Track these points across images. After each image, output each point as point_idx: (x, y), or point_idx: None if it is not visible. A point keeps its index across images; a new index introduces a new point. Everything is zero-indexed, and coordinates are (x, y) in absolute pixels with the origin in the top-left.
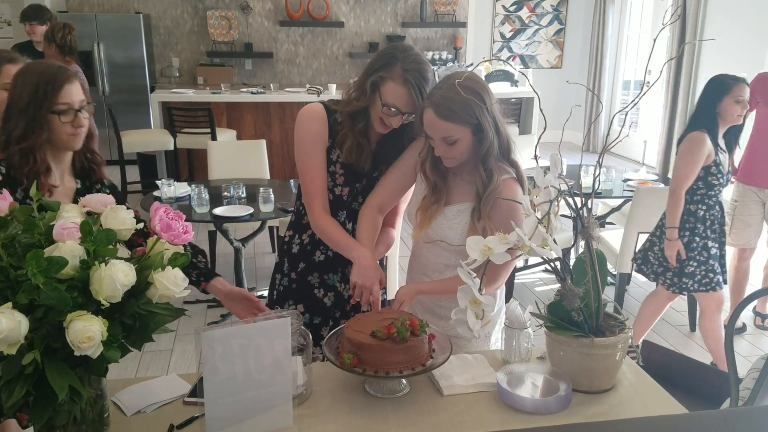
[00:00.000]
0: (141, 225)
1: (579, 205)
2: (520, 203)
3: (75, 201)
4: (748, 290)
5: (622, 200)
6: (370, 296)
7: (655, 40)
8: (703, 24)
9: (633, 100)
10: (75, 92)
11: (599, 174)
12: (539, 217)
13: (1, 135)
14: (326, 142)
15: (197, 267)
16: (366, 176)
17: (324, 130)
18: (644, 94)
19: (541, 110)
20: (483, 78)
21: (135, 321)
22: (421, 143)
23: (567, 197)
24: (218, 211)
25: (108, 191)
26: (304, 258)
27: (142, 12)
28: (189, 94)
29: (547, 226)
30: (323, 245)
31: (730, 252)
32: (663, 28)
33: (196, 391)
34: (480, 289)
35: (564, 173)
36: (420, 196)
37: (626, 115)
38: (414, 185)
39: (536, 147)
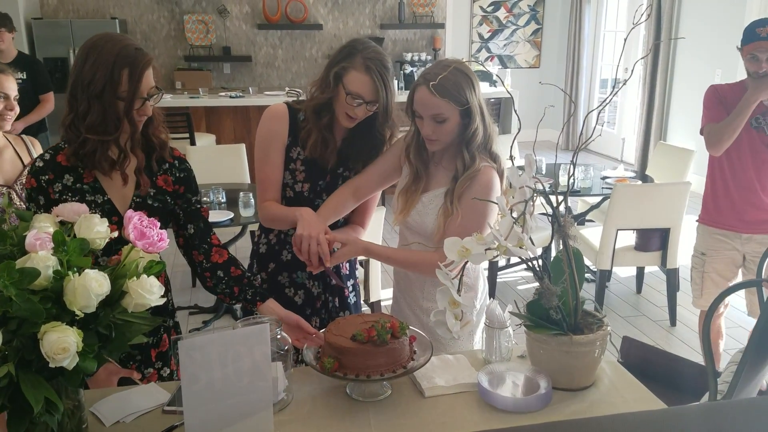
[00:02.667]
0: (115, 234)
1: (555, 204)
2: (495, 203)
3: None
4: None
5: (600, 198)
6: (318, 246)
7: (626, 40)
8: (678, 23)
9: (606, 99)
10: (149, 79)
11: (574, 172)
12: (515, 216)
13: (68, 113)
14: (285, 141)
15: (253, 285)
16: (330, 173)
17: (284, 129)
18: (617, 92)
19: (515, 111)
20: None
21: (111, 331)
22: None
23: (543, 196)
24: None
25: (178, 171)
26: (272, 258)
27: (117, 17)
28: (167, 99)
29: (523, 226)
30: (289, 243)
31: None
32: (634, 27)
33: (176, 399)
34: (459, 291)
35: (543, 172)
36: (402, 183)
37: (599, 113)
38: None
39: (511, 147)
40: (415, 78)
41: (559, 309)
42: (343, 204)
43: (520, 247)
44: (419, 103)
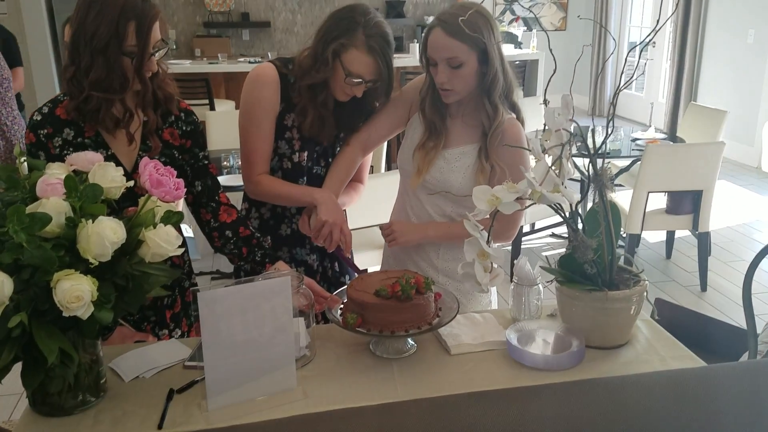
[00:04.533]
0: (131, 183)
1: (593, 149)
2: (528, 149)
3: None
4: None
5: (631, 160)
6: (342, 236)
7: None
8: None
9: (649, 34)
10: (156, 33)
11: (614, 113)
12: (549, 162)
13: (68, 64)
14: (277, 110)
15: (263, 247)
16: (327, 138)
17: (276, 97)
18: (659, 28)
19: (551, 50)
20: None
21: (128, 282)
22: (417, 83)
23: (580, 141)
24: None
25: (185, 124)
26: (268, 233)
27: None
28: (186, 65)
29: (560, 171)
30: (287, 218)
31: None
32: None
33: (197, 355)
34: (488, 241)
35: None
36: (414, 142)
37: (640, 51)
38: (402, 130)
39: (545, 90)
40: None
41: (594, 264)
42: (353, 162)
43: (556, 193)
44: (433, 46)
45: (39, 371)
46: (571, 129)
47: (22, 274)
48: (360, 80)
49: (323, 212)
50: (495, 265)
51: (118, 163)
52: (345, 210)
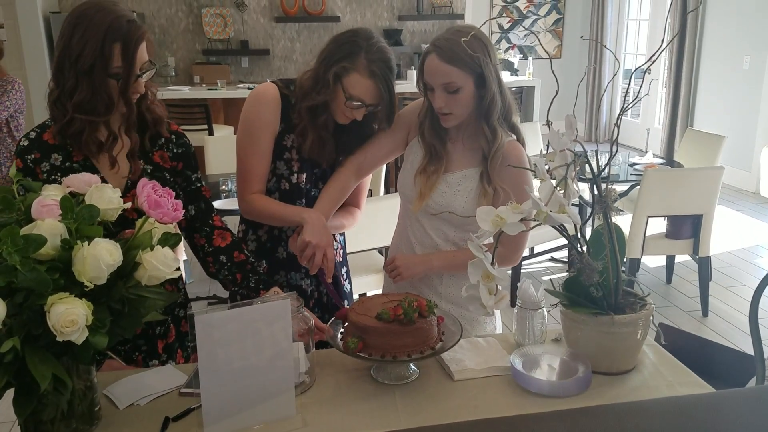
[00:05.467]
0: (128, 205)
1: (596, 171)
2: (531, 170)
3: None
4: None
5: (629, 185)
6: (324, 258)
7: (667, 19)
8: (705, 8)
9: (651, 58)
10: (143, 54)
11: (617, 136)
12: (554, 182)
13: (53, 88)
14: (276, 130)
15: (257, 272)
16: (326, 160)
17: (276, 117)
18: (657, 56)
19: (553, 71)
20: None
21: (124, 305)
22: (415, 107)
23: (584, 161)
24: (216, 204)
25: (176, 146)
26: (264, 256)
27: (135, 11)
28: (185, 91)
29: (565, 191)
30: (284, 241)
31: None
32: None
33: (193, 381)
34: (492, 263)
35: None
36: (414, 166)
37: (644, 74)
38: (399, 153)
39: (548, 112)
40: None
41: (600, 287)
42: (347, 185)
43: (562, 214)
44: (429, 72)
45: (31, 398)
46: (575, 149)
47: (16, 297)
48: (360, 104)
49: (308, 233)
50: (499, 287)
51: None
52: (344, 234)
